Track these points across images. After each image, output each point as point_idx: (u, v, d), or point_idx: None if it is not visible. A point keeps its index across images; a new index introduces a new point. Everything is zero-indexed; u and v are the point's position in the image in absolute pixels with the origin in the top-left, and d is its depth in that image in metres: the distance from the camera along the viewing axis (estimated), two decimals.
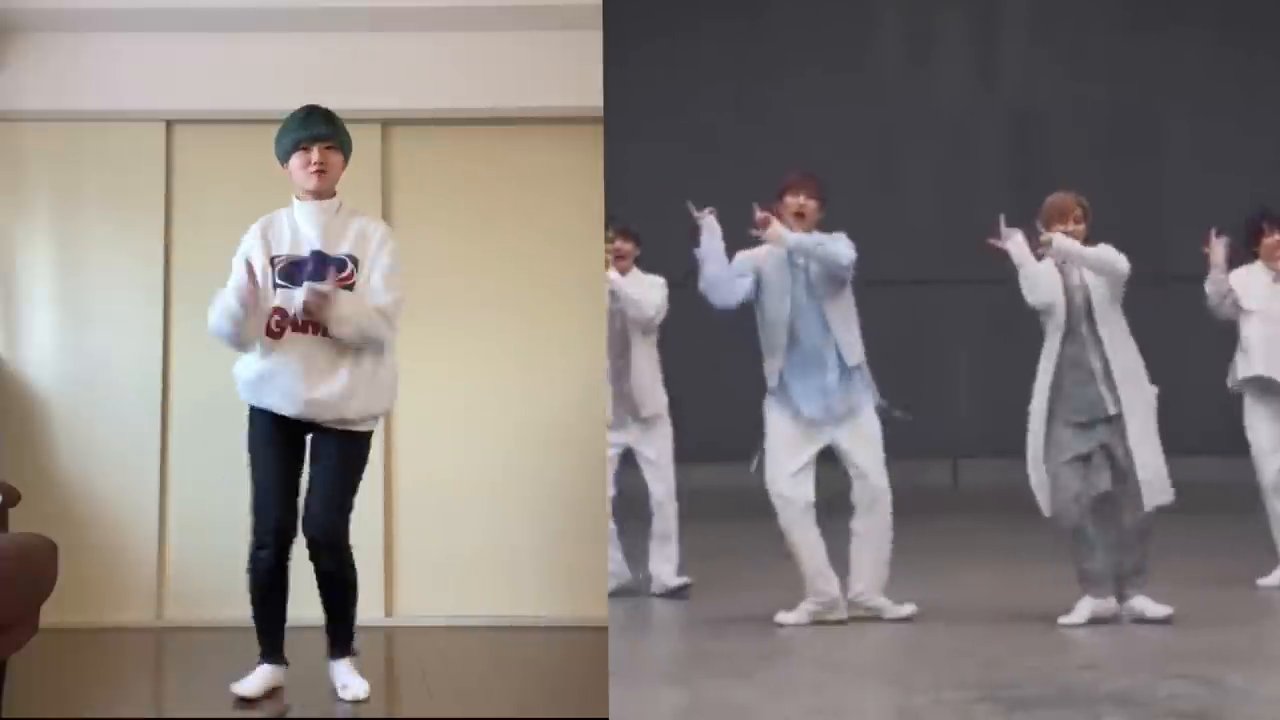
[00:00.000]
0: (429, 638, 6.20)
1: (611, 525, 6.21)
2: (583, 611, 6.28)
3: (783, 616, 5.53)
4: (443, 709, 4.79)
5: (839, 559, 5.57)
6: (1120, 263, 5.48)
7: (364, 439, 4.87)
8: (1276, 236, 6.30)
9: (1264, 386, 6.25)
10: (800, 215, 5.58)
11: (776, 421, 5.59)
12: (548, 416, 6.57)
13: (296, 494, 4.82)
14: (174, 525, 6.50)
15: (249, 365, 4.80)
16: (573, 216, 6.57)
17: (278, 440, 4.78)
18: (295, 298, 4.74)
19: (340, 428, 4.77)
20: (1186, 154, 9.88)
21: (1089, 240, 5.53)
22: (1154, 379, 5.55)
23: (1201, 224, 6.22)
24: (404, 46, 6.57)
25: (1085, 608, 5.47)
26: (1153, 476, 5.43)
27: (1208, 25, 9.86)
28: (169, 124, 6.65)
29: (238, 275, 4.78)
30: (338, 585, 4.86)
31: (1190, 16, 9.86)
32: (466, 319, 6.51)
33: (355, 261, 4.79)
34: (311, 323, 4.71)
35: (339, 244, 4.81)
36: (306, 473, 4.90)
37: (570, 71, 6.39)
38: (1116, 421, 5.45)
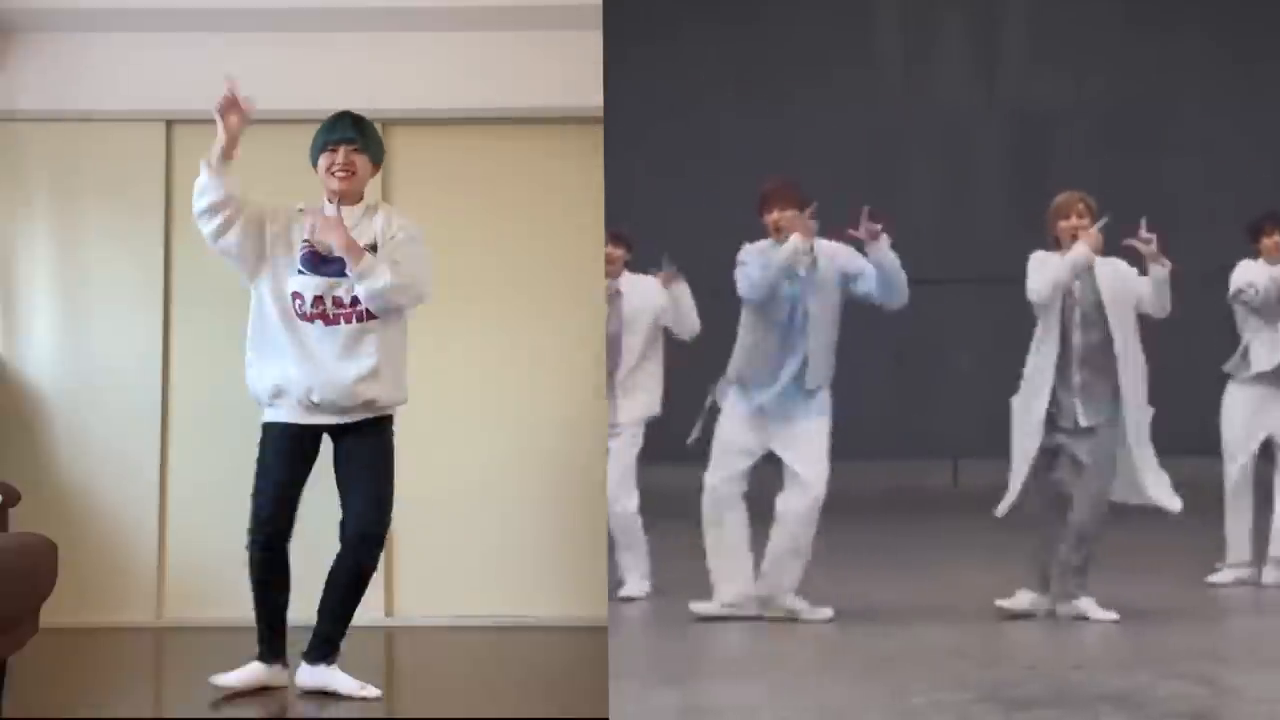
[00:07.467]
0: (429, 638, 6.21)
1: (612, 529, 6.18)
2: (583, 611, 6.29)
3: (696, 606, 5.50)
4: (443, 709, 4.79)
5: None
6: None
7: (388, 423, 4.96)
8: (1277, 237, 6.27)
9: (1259, 380, 6.21)
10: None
11: (731, 414, 5.51)
12: (548, 416, 6.58)
13: (298, 491, 4.88)
14: (174, 525, 6.51)
15: (263, 375, 4.85)
16: (573, 216, 6.58)
17: (290, 435, 4.86)
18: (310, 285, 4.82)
19: (367, 416, 4.85)
20: (1188, 154, 9.87)
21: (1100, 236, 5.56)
22: (1154, 378, 5.55)
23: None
24: (404, 46, 6.58)
25: (1025, 598, 5.52)
26: (1159, 486, 5.46)
27: (1209, 24, 9.86)
28: (169, 124, 6.66)
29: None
30: (362, 581, 4.90)
31: (1191, 15, 9.86)
32: (467, 319, 6.52)
33: (374, 250, 4.85)
34: (346, 313, 4.80)
35: (361, 240, 4.86)
36: (315, 473, 4.94)
37: (570, 71, 6.39)
38: (1085, 432, 5.46)
